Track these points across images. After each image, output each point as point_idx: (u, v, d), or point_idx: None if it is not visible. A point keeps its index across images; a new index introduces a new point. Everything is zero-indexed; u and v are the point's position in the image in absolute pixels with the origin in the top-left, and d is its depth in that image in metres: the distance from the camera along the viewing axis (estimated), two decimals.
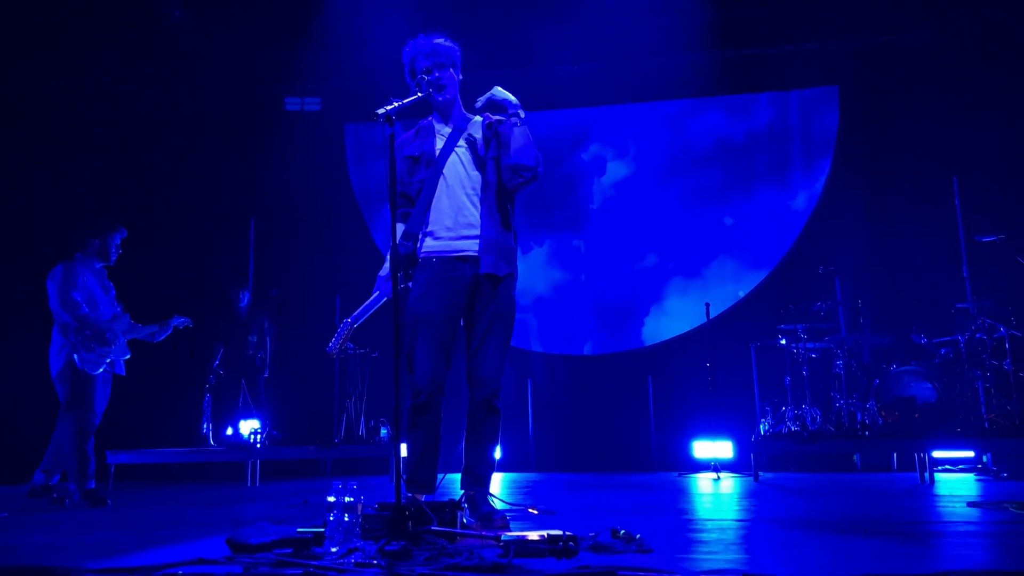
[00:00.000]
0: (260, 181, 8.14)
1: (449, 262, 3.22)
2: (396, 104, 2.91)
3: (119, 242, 5.15)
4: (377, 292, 3.36)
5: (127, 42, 7.42)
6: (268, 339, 7.67)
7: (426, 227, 3.28)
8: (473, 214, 3.24)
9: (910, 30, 7.54)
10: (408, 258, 3.27)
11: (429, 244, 3.26)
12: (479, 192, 3.26)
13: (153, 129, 7.90)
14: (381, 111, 2.85)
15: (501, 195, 3.29)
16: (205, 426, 6.88)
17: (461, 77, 3.39)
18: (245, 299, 7.20)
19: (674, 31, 7.73)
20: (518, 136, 3.21)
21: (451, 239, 3.24)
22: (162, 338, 5.21)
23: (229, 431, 7.17)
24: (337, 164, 8.78)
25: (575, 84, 8.34)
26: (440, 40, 3.31)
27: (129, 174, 7.82)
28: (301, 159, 8.37)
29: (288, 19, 7.64)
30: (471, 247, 3.22)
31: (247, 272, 7.80)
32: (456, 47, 3.36)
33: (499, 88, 3.26)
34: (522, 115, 3.23)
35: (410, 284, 3.29)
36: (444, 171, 3.28)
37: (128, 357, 5.09)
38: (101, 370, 4.89)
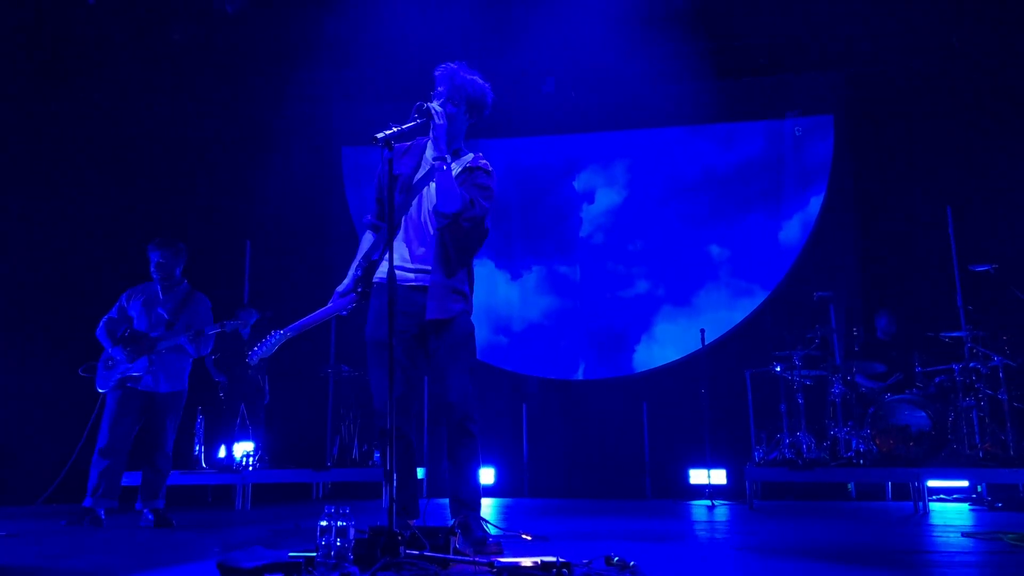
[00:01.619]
0: (256, 203, 8.15)
1: (403, 290, 3.23)
2: (395, 129, 2.93)
3: (152, 258, 5.06)
4: (329, 305, 3.37)
5: (121, 64, 7.46)
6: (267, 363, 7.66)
7: (386, 250, 3.30)
8: (428, 251, 3.26)
9: (905, 60, 7.63)
10: (363, 279, 3.33)
11: (384, 269, 3.26)
12: (436, 230, 3.26)
13: (148, 150, 7.92)
14: (380, 135, 2.87)
15: (456, 236, 3.25)
16: (197, 448, 6.83)
17: (476, 119, 3.40)
18: (251, 321, 7.20)
19: (668, 60, 7.82)
20: (437, 181, 3.21)
21: (407, 271, 3.26)
22: (205, 351, 5.06)
23: (223, 452, 7.11)
24: (334, 187, 8.80)
25: (567, 111, 8.41)
26: (465, 74, 3.32)
27: (125, 194, 7.82)
28: (298, 182, 8.39)
29: (288, 42, 7.70)
30: (424, 280, 3.25)
31: (242, 294, 7.78)
32: (483, 88, 3.35)
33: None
34: (447, 159, 3.20)
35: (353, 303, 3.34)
36: (414, 201, 3.30)
37: (140, 372, 4.86)
38: (111, 385, 4.88)
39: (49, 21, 7.15)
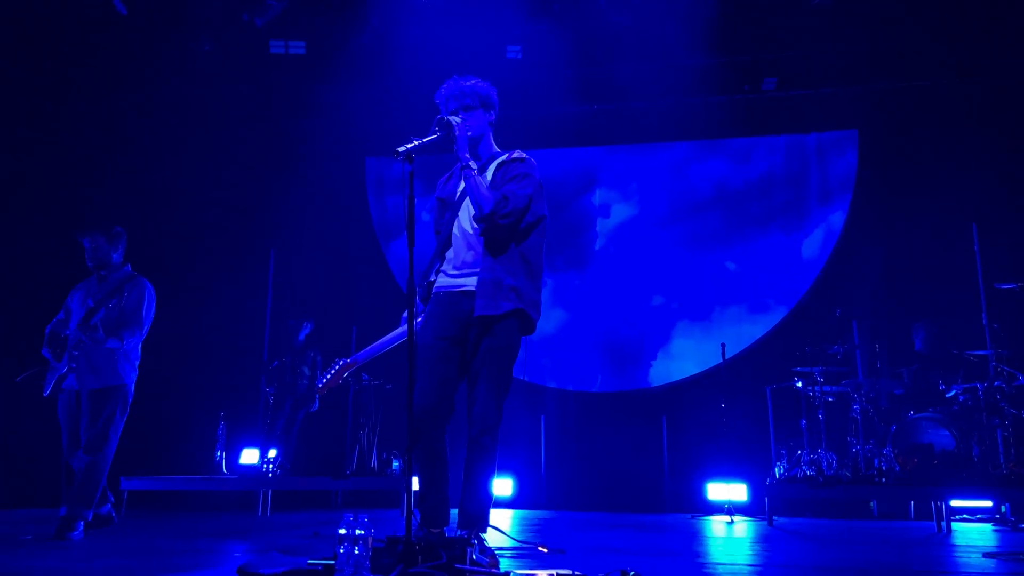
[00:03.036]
0: (281, 212, 8.24)
1: (451, 296, 3.29)
2: (416, 143, 2.97)
3: (84, 245, 4.74)
4: (398, 330, 3.40)
5: (150, 74, 7.60)
6: (317, 372, 7.76)
7: (441, 265, 3.37)
8: (475, 255, 3.30)
9: (931, 75, 7.58)
10: (425, 299, 3.37)
11: (440, 280, 3.36)
12: (479, 233, 3.30)
13: (175, 159, 8.05)
14: (401, 149, 2.91)
15: (499, 234, 3.27)
16: (219, 454, 6.89)
17: (494, 117, 3.44)
18: (305, 331, 7.30)
19: (692, 73, 7.83)
20: (466, 187, 3.26)
21: (455, 276, 3.31)
22: (133, 338, 4.65)
23: (246, 457, 7.16)
24: (357, 197, 8.88)
25: (588, 125, 8.43)
26: (471, 82, 3.38)
27: (152, 201, 7.95)
28: (322, 191, 8.48)
29: (311, 53, 7.80)
30: (470, 284, 3.27)
31: (266, 302, 7.86)
32: (486, 87, 3.41)
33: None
34: (472, 165, 3.24)
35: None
36: (459, 213, 3.36)
37: (64, 371, 4.59)
38: (49, 391, 4.64)
39: (81, 28, 7.29)
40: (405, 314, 3.40)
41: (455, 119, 3.26)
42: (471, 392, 3.26)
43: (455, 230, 3.36)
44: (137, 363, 4.82)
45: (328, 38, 7.64)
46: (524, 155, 3.39)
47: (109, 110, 7.77)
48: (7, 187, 7.31)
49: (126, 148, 7.92)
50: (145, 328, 4.75)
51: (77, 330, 4.56)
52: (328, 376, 3.35)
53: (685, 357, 8.08)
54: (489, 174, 3.36)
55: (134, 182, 7.92)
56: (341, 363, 3.35)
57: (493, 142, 3.47)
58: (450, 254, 3.36)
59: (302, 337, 7.45)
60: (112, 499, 4.80)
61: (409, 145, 2.93)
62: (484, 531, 3.19)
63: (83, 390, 4.58)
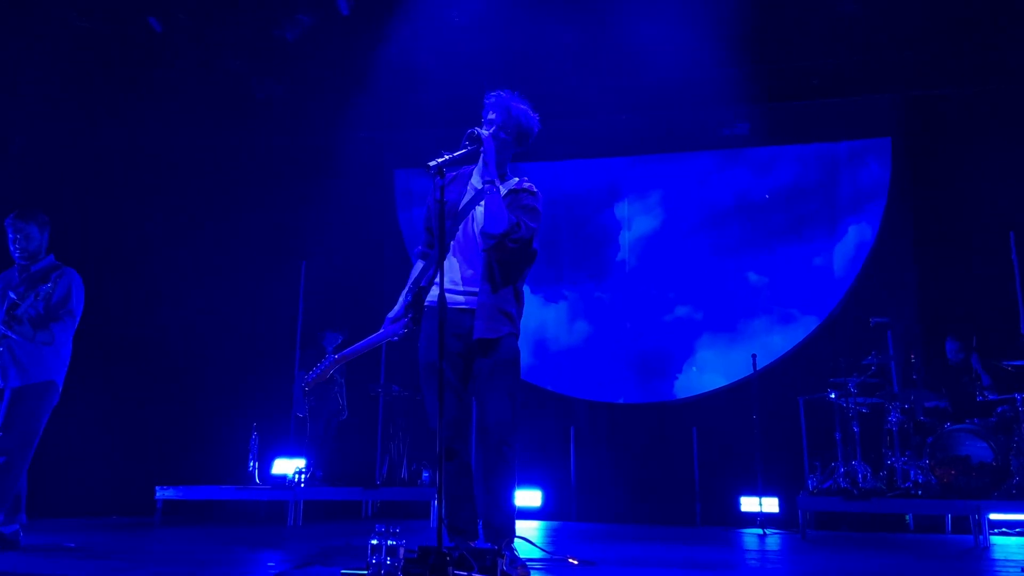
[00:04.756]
0: (312, 225, 8.33)
1: (452, 313, 3.27)
2: (447, 156, 3.01)
3: (10, 236, 4.39)
4: (381, 331, 3.44)
5: (183, 89, 7.73)
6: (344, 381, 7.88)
7: (435, 274, 3.37)
8: (474, 273, 3.32)
9: (965, 82, 7.47)
10: (413, 305, 3.39)
11: (435, 293, 3.31)
12: (483, 252, 3.32)
13: (211, 173, 8.18)
14: (432, 163, 2.95)
15: (503, 257, 3.31)
16: (251, 464, 6.97)
17: (520, 149, 3.46)
18: (336, 341, 7.38)
19: (720, 82, 7.80)
20: (486, 203, 3.27)
21: (454, 293, 3.31)
22: (64, 330, 4.30)
23: (278, 468, 7.23)
24: (387, 209, 8.95)
25: (618, 134, 8.42)
26: (517, 103, 3.39)
27: (186, 211, 8.09)
28: (352, 204, 8.55)
29: (341, 67, 7.89)
30: (471, 302, 3.30)
31: (296, 314, 7.94)
32: (530, 117, 3.41)
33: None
34: (496, 182, 3.26)
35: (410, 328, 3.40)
36: (461, 226, 3.37)
37: None
38: None
39: (115, 46, 7.44)
40: (389, 315, 3.47)
41: (485, 133, 3.28)
42: (483, 405, 3.29)
43: (459, 239, 3.35)
44: (68, 358, 4.40)
45: (359, 51, 7.71)
46: (535, 188, 3.44)
47: (143, 127, 7.90)
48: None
49: (154, 165, 8.06)
50: (76, 320, 4.34)
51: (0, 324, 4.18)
52: (317, 370, 3.42)
53: (711, 369, 8.02)
54: (501, 194, 3.37)
55: (166, 200, 8.06)
56: (330, 359, 3.42)
57: (509, 165, 3.51)
58: (447, 267, 3.33)
59: (333, 349, 7.53)
60: (24, 520, 4.23)
61: (440, 159, 2.97)
62: (512, 542, 3.20)
63: (6, 387, 4.20)
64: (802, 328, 7.89)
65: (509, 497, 3.23)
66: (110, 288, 7.64)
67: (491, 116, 3.37)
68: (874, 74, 7.66)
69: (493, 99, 3.40)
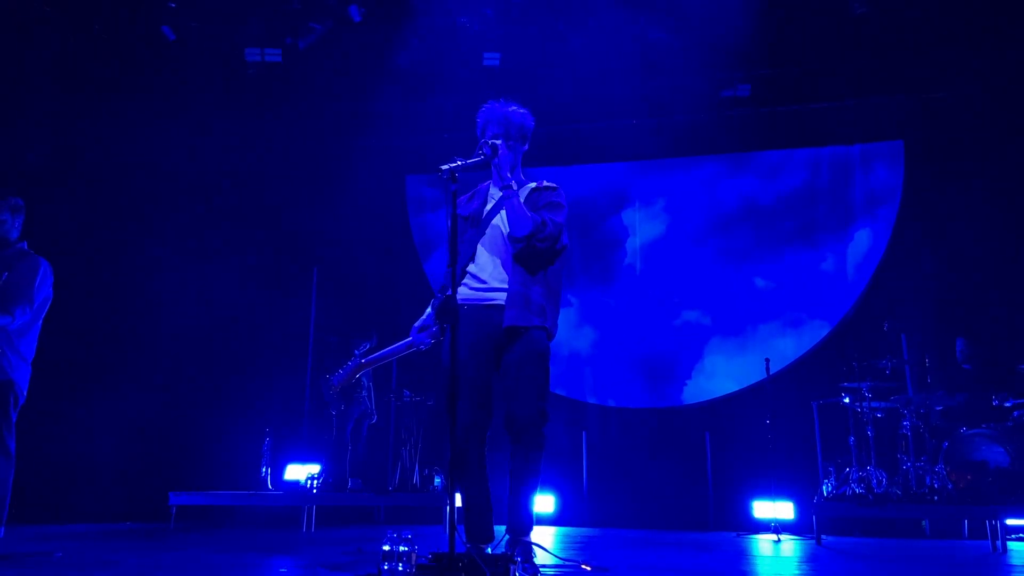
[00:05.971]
0: (324, 230, 8.37)
1: (479, 310, 3.33)
2: (460, 163, 3.03)
3: None
4: (407, 340, 3.46)
5: (196, 95, 7.79)
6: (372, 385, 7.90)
7: (463, 278, 3.40)
8: (504, 271, 3.35)
9: (978, 84, 7.43)
10: (441, 309, 3.39)
11: (462, 292, 3.38)
12: (512, 252, 3.36)
13: (222, 177, 8.23)
14: (445, 167, 2.97)
15: (532, 257, 3.35)
16: (264, 469, 6.98)
17: (527, 147, 3.52)
18: (365, 346, 7.41)
19: (732, 85, 7.78)
20: (507, 208, 3.31)
21: (483, 290, 3.35)
22: (22, 316, 4.00)
23: (288, 472, 7.25)
24: (398, 214, 8.97)
25: (626, 139, 8.41)
26: (513, 108, 3.46)
27: (197, 216, 8.13)
28: (364, 209, 8.58)
29: (356, 73, 7.93)
30: (500, 298, 3.32)
31: (309, 319, 7.97)
32: (529, 119, 3.49)
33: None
34: (513, 186, 3.30)
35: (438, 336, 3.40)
36: (487, 231, 3.42)
37: None
38: None
39: (128, 49, 7.50)
40: (416, 323, 3.51)
41: (498, 142, 3.32)
42: (510, 393, 3.29)
43: (480, 248, 3.40)
44: (30, 357, 4.09)
45: (369, 58, 7.75)
46: (556, 185, 3.49)
47: (161, 135, 7.95)
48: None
49: (169, 173, 8.11)
50: (36, 306, 4.04)
51: None
52: (344, 372, 3.44)
53: (721, 373, 7.98)
54: (520, 197, 3.40)
55: (180, 207, 8.11)
56: (356, 362, 3.43)
57: (521, 169, 3.55)
58: (473, 269, 3.39)
59: (359, 353, 7.54)
60: (1, 533, 3.97)
61: (452, 164, 2.99)
62: (529, 539, 3.21)
63: None
64: (813, 333, 7.84)
65: (533, 491, 3.27)
66: (124, 295, 7.72)
67: (494, 131, 3.40)
68: (886, 76, 7.63)
69: (487, 113, 3.44)
